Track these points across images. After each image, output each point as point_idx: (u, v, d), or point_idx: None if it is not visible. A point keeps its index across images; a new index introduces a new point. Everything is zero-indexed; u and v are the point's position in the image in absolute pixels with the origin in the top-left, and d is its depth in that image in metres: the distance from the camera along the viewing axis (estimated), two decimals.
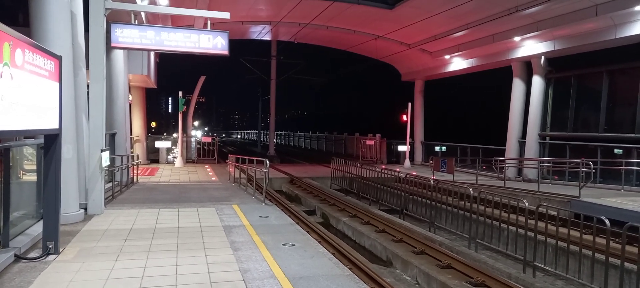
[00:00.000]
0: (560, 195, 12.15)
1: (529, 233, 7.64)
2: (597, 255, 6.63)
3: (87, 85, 9.02)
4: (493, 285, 6.77)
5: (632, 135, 14.46)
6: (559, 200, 11.78)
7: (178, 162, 19.82)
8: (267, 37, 26.91)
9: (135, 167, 14.15)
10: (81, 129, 8.62)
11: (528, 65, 17.89)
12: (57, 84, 5.82)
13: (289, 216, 9.66)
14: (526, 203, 7.97)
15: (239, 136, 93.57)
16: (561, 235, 7.27)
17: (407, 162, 22.83)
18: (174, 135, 26.47)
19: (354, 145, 29.99)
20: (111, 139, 13.63)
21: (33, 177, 7.19)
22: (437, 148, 23.98)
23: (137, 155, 16.01)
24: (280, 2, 18.76)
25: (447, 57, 21.59)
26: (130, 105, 17.26)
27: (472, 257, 8.08)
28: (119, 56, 14.00)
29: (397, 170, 13.83)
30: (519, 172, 17.54)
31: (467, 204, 9.48)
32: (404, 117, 23.08)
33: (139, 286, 4.94)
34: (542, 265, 7.39)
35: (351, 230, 10.89)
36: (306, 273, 5.49)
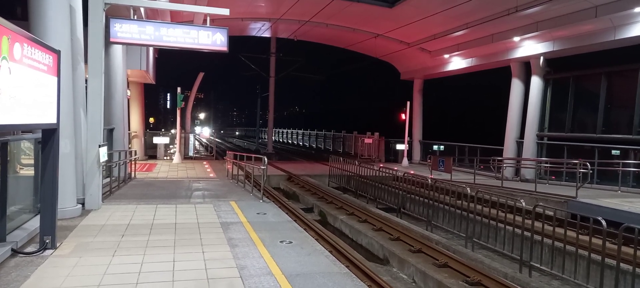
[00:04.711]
0: (557, 196, 12.19)
1: (525, 233, 7.67)
2: (593, 255, 6.66)
3: (86, 80, 8.99)
4: (489, 284, 6.80)
5: (630, 136, 14.51)
6: (556, 200, 11.82)
7: (176, 158, 19.80)
8: (267, 34, 26.85)
9: (133, 162, 14.13)
10: (79, 124, 8.60)
11: (527, 66, 17.91)
12: (56, 79, 5.81)
13: (287, 213, 9.67)
14: (523, 203, 7.99)
15: (237, 133, 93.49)
16: (558, 235, 7.29)
17: (405, 160, 22.85)
18: (172, 131, 26.45)
19: (352, 143, 30.01)
20: (109, 134, 13.60)
21: (30, 172, 7.18)
22: (435, 147, 24.03)
23: (135, 151, 15.98)
24: None
25: (446, 56, 21.61)
26: (128, 100, 17.22)
27: (468, 256, 8.10)
28: (117, 51, 13.96)
29: (395, 168, 13.84)
30: (517, 172, 17.58)
31: (465, 203, 9.50)
32: (403, 116, 23.10)
33: (135, 281, 4.94)
34: (539, 265, 7.42)
35: (348, 228, 10.91)
36: (303, 270, 5.49)
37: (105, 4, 8.88)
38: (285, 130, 54.63)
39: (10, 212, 6.18)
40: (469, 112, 38.12)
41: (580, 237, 6.94)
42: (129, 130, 18.21)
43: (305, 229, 8.86)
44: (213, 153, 23.37)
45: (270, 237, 7.00)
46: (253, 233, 7.22)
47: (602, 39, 13.99)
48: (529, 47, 16.96)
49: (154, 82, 21.87)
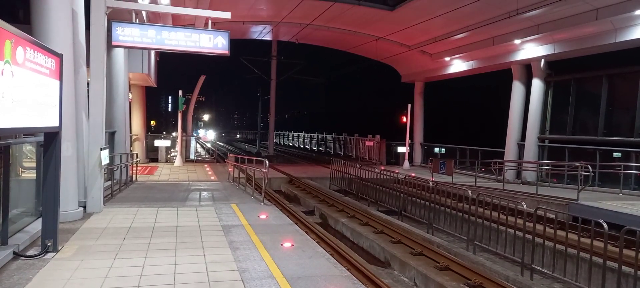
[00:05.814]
0: (559, 198, 12.17)
1: (527, 235, 7.65)
2: (594, 258, 6.65)
3: (88, 83, 9.02)
4: (490, 287, 6.79)
5: (631, 139, 14.49)
6: (557, 203, 11.80)
7: (177, 161, 19.82)
8: (268, 37, 26.93)
9: (134, 165, 14.15)
10: (81, 127, 8.63)
11: (528, 68, 17.91)
12: (58, 82, 5.84)
13: (288, 216, 9.67)
14: (524, 206, 7.98)
15: (238, 135, 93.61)
16: (559, 238, 7.28)
17: (406, 163, 22.83)
18: (174, 134, 26.49)
19: (353, 146, 30.02)
20: (111, 137, 13.63)
21: (32, 175, 7.20)
22: (436, 149, 24.02)
23: (137, 154, 16.01)
24: (281, 2, 18.77)
25: (447, 59, 21.61)
26: (130, 103, 17.26)
27: (470, 259, 8.09)
28: (119, 54, 14.01)
29: (396, 171, 13.83)
30: (518, 174, 17.56)
31: (466, 206, 9.48)
32: (404, 119, 23.10)
33: (137, 284, 4.95)
34: (540, 268, 7.40)
35: (350, 231, 10.90)
36: (304, 273, 5.50)
37: (108, 7, 8.92)
38: (286, 133, 54.66)
39: (12, 215, 6.20)
40: (470, 114, 38.14)
41: (582, 239, 6.92)
42: (131, 133, 18.25)
43: (306, 232, 8.85)
44: (214, 156, 23.39)
45: (271, 240, 7.01)
46: (254, 236, 7.22)
47: (603, 41, 13.99)
48: (530, 49, 16.97)
49: (155, 85, 21.93)
